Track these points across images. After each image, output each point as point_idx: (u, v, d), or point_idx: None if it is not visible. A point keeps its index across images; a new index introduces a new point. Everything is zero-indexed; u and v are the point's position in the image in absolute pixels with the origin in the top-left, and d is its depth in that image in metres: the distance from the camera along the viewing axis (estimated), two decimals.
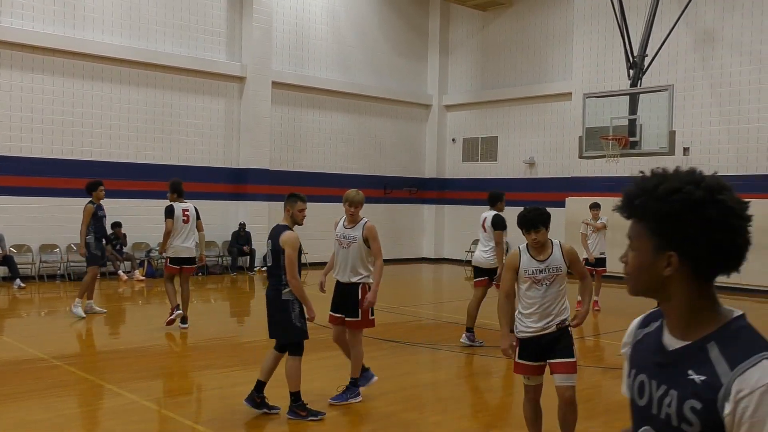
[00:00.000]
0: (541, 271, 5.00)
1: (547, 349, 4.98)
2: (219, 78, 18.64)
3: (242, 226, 18.47)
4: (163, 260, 10.99)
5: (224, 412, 6.35)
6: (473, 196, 22.71)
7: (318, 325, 8.38)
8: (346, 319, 6.73)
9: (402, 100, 22.91)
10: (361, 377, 6.86)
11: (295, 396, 6.18)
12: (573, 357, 4.99)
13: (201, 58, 18.20)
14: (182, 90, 17.99)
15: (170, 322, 10.25)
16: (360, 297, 6.66)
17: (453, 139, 23.68)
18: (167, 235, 10.29)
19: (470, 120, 23.24)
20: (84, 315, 11.07)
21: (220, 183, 18.62)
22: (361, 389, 6.84)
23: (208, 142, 18.55)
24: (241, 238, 18.43)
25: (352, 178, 20.76)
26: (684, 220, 1.49)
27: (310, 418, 6.12)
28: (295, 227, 6.31)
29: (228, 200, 18.81)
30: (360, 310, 6.65)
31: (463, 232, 22.81)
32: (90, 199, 11.24)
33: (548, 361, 5.00)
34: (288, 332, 6.17)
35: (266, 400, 6.28)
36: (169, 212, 10.33)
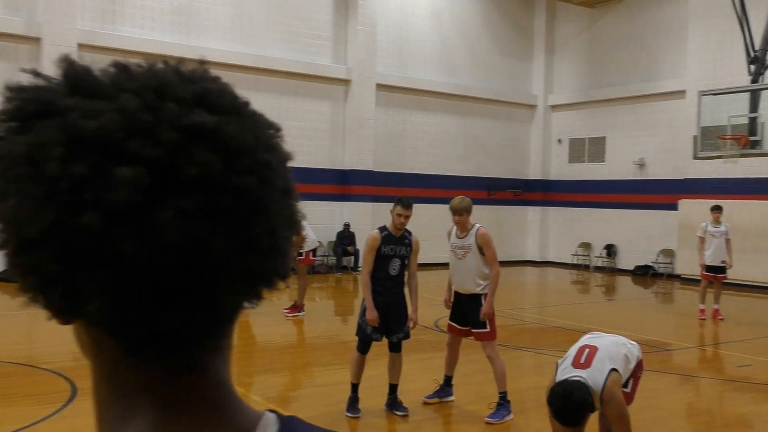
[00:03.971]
0: None
1: None
2: (325, 81, 19.02)
3: (347, 226, 18.75)
4: (301, 256, 11.52)
5: (327, 410, 6.46)
6: (580, 198, 22.16)
7: (421, 326, 8.38)
8: (474, 330, 6.49)
9: (506, 100, 22.62)
10: (441, 390, 6.77)
11: (351, 387, 6.31)
12: None
13: (307, 61, 18.62)
14: (289, 93, 18.47)
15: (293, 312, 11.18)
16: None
17: (559, 140, 23.16)
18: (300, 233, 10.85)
19: (577, 120, 22.66)
20: None
21: (325, 184, 18.97)
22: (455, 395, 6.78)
23: (314, 144, 18.95)
24: (345, 238, 18.72)
25: (455, 180, 20.69)
26: None
27: (346, 413, 6.18)
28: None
29: (333, 201, 19.14)
30: (488, 322, 6.41)
31: (569, 234, 22.29)
32: None
33: None
34: (356, 327, 6.38)
35: (396, 401, 6.37)
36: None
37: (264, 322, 10.43)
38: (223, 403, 0.69)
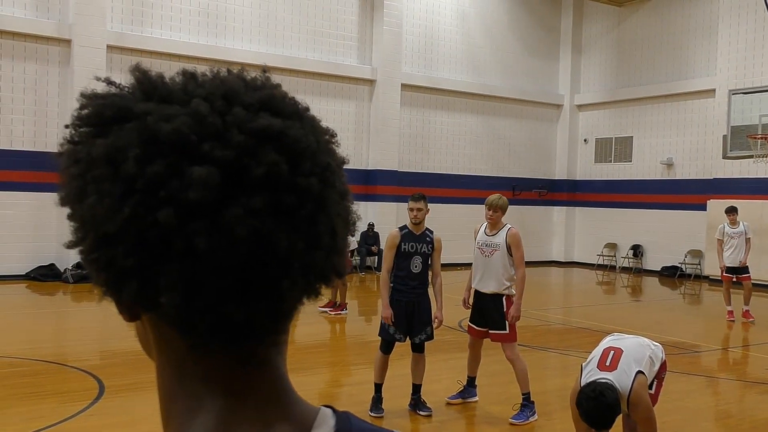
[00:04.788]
0: None
1: None
2: (350, 81, 19.07)
3: (371, 226, 18.78)
4: None
5: (351, 410, 6.48)
6: (606, 198, 21.97)
7: (445, 327, 8.37)
8: (491, 332, 6.44)
9: (532, 100, 22.50)
10: (464, 390, 6.76)
11: (374, 387, 6.30)
12: None
13: (333, 62, 18.69)
14: (314, 93, 18.54)
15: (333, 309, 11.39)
16: (506, 309, 6.36)
17: (585, 140, 22.98)
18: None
19: (603, 120, 22.47)
20: None
21: (350, 184, 18.83)
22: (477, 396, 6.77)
23: (339, 144, 18.98)
24: (369, 238, 18.75)
25: (479, 180, 20.64)
26: None
27: (369, 413, 6.18)
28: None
29: (357, 201, 19.07)
30: (507, 323, 6.35)
31: (594, 235, 22.11)
32: None
33: None
34: (379, 327, 6.37)
35: (419, 401, 6.37)
36: None
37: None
38: (283, 395, 0.72)
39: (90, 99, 0.70)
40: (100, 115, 0.68)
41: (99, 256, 0.66)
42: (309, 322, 10.67)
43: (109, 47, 15.32)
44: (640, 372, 4.41)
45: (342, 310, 11.53)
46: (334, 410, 0.75)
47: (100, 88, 0.71)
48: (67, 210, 0.68)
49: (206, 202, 0.62)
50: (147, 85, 0.70)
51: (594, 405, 4.20)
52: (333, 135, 0.76)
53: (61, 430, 5.55)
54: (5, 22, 14.63)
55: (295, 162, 0.67)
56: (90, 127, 0.68)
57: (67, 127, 0.70)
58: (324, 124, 0.76)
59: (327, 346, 9.61)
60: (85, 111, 0.69)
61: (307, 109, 0.74)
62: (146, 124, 0.65)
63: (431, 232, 6.31)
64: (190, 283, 0.64)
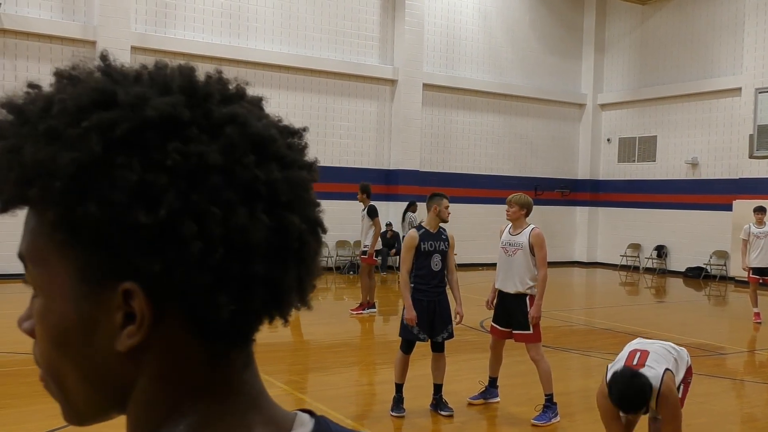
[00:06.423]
0: None
1: None
2: (371, 81, 19.08)
3: (389, 226, 18.71)
4: (365, 255, 11.73)
5: (372, 409, 6.49)
6: (629, 198, 21.78)
7: (463, 326, 8.36)
8: (515, 332, 6.42)
9: (554, 99, 22.36)
10: (486, 391, 6.73)
11: (395, 387, 6.29)
12: None
13: (354, 62, 18.71)
14: (336, 93, 18.58)
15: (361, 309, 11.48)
16: (529, 309, 6.35)
17: (608, 139, 22.80)
18: (379, 232, 11.67)
19: (627, 119, 22.28)
20: None
21: (371, 184, 18.99)
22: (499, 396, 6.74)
23: (360, 144, 19.04)
24: (389, 239, 18.71)
25: (501, 180, 20.55)
26: None
27: (391, 412, 6.18)
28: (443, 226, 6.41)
29: (378, 201, 19.15)
30: (531, 324, 6.35)
31: (618, 235, 21.93)
32: None
33: None
34: (400, 327, 6.37)
35: (441, 401, 6.37)
36: (377, 212, 11.78)
37: (311, 322, 10.53)
38: (261, 398, 0.69)
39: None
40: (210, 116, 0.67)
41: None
42: (330, 322, 10.70)
43: (133, 48, 15.49)
44: (668, 369, 4.38)
45: (367, 308, 11.55)
46: (312, 414, 0.71)
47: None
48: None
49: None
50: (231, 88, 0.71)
51: (629, 383, 4.17)
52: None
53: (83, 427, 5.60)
54: (32, 24, 14.84)
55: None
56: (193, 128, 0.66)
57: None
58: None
59: (349, 346, 9.62)
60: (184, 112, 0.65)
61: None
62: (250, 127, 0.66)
63: (444, 229, 6.41)
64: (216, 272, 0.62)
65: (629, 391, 4.17)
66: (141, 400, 0.66)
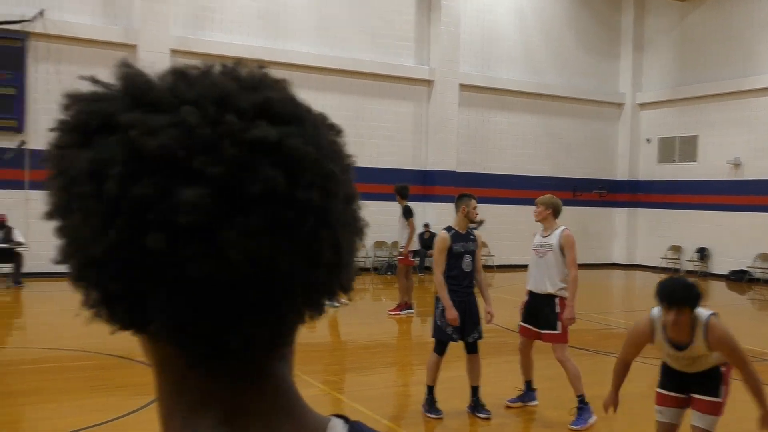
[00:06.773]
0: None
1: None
2: (408, 82, 19.08)
3: (426, 227, 18.70)
4: (402, 256, 11.79)
5: (409, 410, 6.49)
6: (670, 199, 21.42)
7: (501, 328, 8.31)
8: (542, 332, 6.41)
9: (592, 99, 22.10)
10: (524, 394, 6.68)
11: (427, 389, 6.27)
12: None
13: (391, 63, 18.73)
14: (373, 95, 18.62)
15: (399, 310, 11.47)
16: (559, 310, 6.33)
17: (647, 139, 22.45)
18: (413, 233, 11.61)
19: (667, 118, 21.90)
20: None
21: (409, 184, 18.96)
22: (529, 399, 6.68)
23: (397, 145, 19.05)
24: (426, 240, 18.68)
25: (538, 180, 20.37)
26: None
27: (427, 414, 6.15)
28: (472, 228, 6.46)
29: (415, 201, 19.13)
30: (559, 323, 6.32)
31: (658, 237, 21.58)
32: None
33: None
34: (432, 328, 6.34)
35: (478, 403, 6.34)
36: (412, 213, 11.77)
37: (349, 322, 10.57)
38: (289, 408, 0.68)
39: (74, 101, 0.63)
40: (84, 124, 0.61)
41: (86, 277, 0.62)
42: (368, 323, 10.72)
43: (173, 51, 15.73)
44: (713, 314, 4.34)
45: (405, 309, 11.56)
46: (346, 419, 0.71)
47: (87, 88, 0.64)
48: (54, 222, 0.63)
49: (198, 225, 0.57)
50: (133, 89, 0.63)
51: (679, 279, 4.27)
52: (338, 133, 0.69)
53: (128, 421, 5.73)
54: (75, 29, 15.17)
55: (294, 174, 0.60)
56: (73, 134, 0.62)
57: (52, 130, 0.63)
58: (330, 121, 0.69)
59: (386, 346, 9.63)
60: (69, 115, 0.63)
61: (308, 110, 0.67)
62: (130, 138, 0.58)
63: (472, 230, 6.46)
64: (181, 308, 0.59)
65: (678, 283, 4.20)
66: (160, 406, 0.71)
